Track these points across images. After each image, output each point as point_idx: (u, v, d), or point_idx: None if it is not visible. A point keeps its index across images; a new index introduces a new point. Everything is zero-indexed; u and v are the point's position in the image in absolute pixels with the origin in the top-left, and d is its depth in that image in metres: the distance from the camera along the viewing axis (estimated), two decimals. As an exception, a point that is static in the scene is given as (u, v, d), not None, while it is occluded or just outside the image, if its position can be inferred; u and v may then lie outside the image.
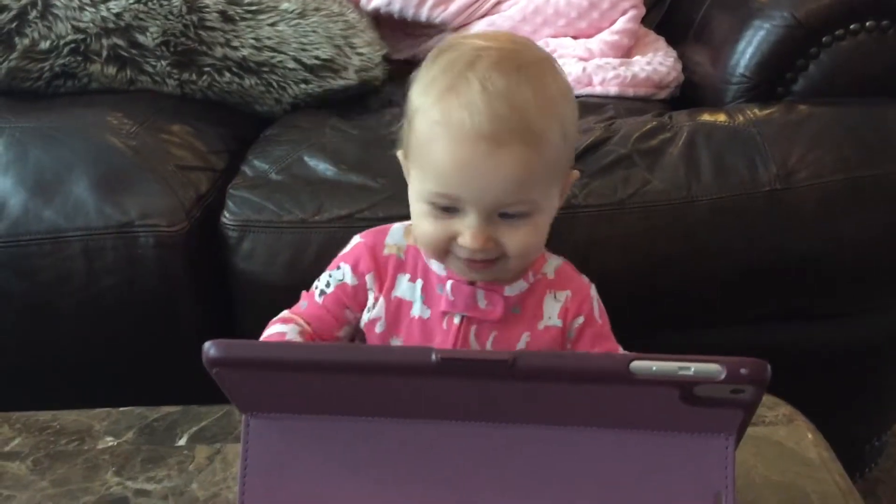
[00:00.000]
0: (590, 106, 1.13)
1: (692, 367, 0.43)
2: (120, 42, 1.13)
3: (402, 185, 0.98)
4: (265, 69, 1.17)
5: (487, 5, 1.31)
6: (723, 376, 0.43)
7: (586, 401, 0.48)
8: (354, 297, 0.71)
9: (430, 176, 0.63)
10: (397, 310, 0.70)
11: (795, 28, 1.05)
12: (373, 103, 1.22)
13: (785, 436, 0.63)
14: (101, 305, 0.96)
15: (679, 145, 1.01)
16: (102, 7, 1.12)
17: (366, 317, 0.71)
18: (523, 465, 0.50)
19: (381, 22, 1.36)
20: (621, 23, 1.28)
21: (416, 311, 0.70)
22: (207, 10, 1.14)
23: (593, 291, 0.73)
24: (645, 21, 1.36)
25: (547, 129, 0.62)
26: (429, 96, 0.63)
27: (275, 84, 1.17)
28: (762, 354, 0.75)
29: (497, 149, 0.60)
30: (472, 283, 0.69)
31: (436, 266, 0.69)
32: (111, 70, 1.15)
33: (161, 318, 0.98)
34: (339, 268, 0.71)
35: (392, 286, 0.70)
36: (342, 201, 0.98)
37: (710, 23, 1.24)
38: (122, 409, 0.70)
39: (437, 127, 0.62)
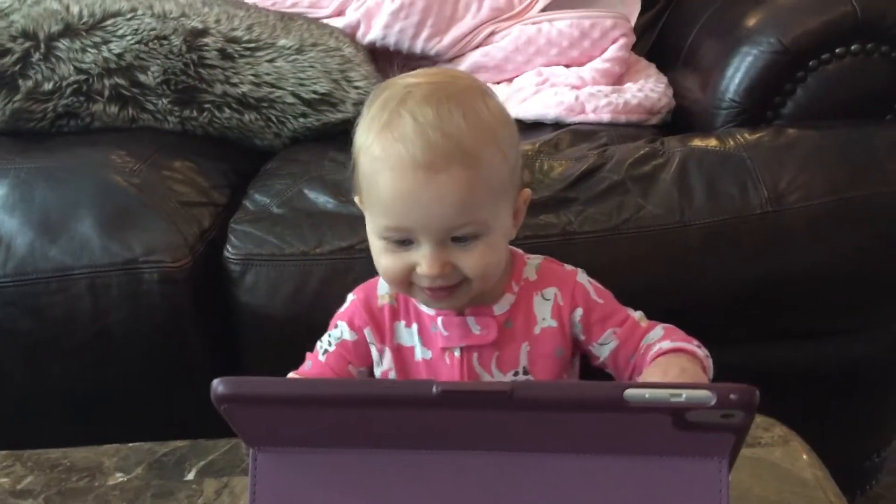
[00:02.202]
0: (583, 133, 1.16)
1: (683, 394, 0.45)
2: (122, 82, 1.16)
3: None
4: (264, 104, 1.19)
5: (480, 37, 1.34)
6: (713, 402, 0.44)
7: (583, 428, 0.49)
8: (356, 353, 0.73)
9: (379, 211, 0.66)
10: (402, 357, 0.72)
11: (782, 53, 1.08)
12: (370, 135, 1.24)
13: (780, 457, 0.65)
14: (108, 341, 0.98)
15: (671, 171, 1.03)
16: (104, 48, 1.15)
17: (378, 371, 0.73)
18: (524, 493, 0.51)
19: (377, 55, 1.38)
20: (612, 51, 1.30)
21: (419, 354, 0.72)
22: (207, 48, 1.17)
23: (581, 276, 0.74)
24: (635, 48, 1.38)
25: (482, 151, 0.64)
26: (368, 135, 0.65)
27: (274, 119, 1.20)
28: (758, 374, 0.77)
29: (435, 175, 0.62)
30: (461, 314, 0.70)
31: (424, 307, 0.71)
32: (113, 109, 1.17)
33: (167, 352, 0.99)
34: (336, 326, 0.74)
35: (392, 335, 0.72)
36: (343, 233, 1.00)
37: (698, 49, 1.26)
38: (131, 444, 0.72)
39: (377, 162, 0.64)
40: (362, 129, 0.67)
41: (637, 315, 0.74)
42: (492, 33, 1.34)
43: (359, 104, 1.21)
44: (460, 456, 0.51)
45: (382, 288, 0.73)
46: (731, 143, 1.05)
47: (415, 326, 0.72)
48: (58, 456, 0.71)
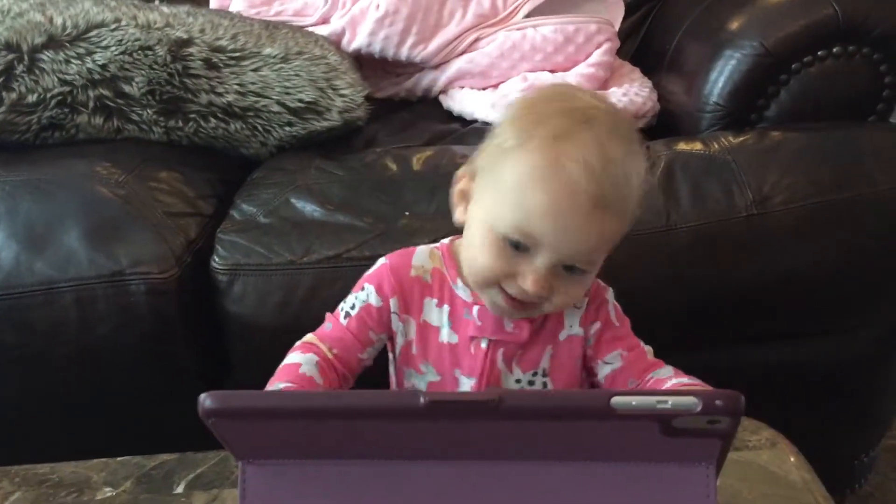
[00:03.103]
0: (569, 138, 1.16)
1: (669, 401, 0.45)
2: (106, 93, 1.15)
3: (388, 224, 1.01)
4: (250, 113, 1.19)
5: (465, 43, 1.34)
6: (699, 408, 0.45)
7: (571, 436, 0.49)
8: (379, 319, 0.72)
9: (516, 211, 0.64)
10: (425, 335, 0.72)
11: (765, 56, 1.09)
12: (356, 143, 1.24)
13: (768, 459, 0.65)
14: (95, 354, 0.97)
15: (657, 174, 1.03)
16: (88, 59, 1.14)
17: (399, 342, 0.72)
18: (513, 502, 0.51)
19: (363, 62, 1.39)
20: (597, 55, 1.31)
21: (444, 336, 0.71)
22: (191, 58, 1.17)
23: (610, 296, 0.75)
24: (620, 52, 1.39)
25: (633, 207, 0.66)
26: (536, 135, 0.63)
27: (260, 128, 1.19)
28: (745, 377, 0.78)
29: (594, 210, 0.62)
30: None
31: (462, 291, 0.71)
32: (98, 120, 1.17)
33: (156, 363, 0.99)
34: (363, 289, 0.73)
35: (420, 309, 0.72)
36: (330, 242, 1.00)
37: (682, 53, 1.27)
38: (119, 458, 0.71)
39: (544, 170, 0.63)
40: (525, 123, 0.65)
41: (647, 348, 0.74)
42: (476, 39, 1.35)
43: (344, 112, 1.21)
44: (449, 466, 0.51)
45: (418, 259, 0.73)
46: (716, 146, 1.06)
47: (446, 308, 0.71)
48: (45, 471, 0.71)
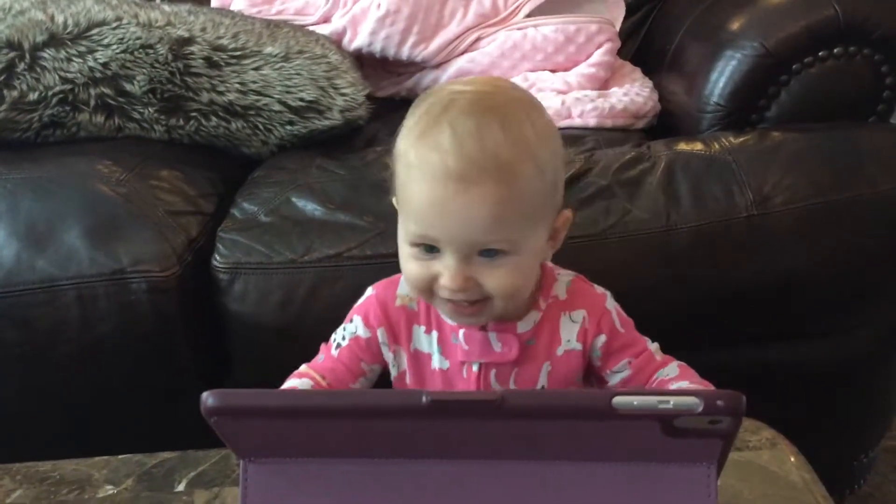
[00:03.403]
0: (570, 138, 1.16)
1: (671, 401, 0.45)
2: (107, 91, 1.15)
3: (389, 223, 1.01)
4: (251, 112, 1.19)
5: (466, 43, 1.35)
6: (700, 408, 0.45)
7: (573, 436, 0.49)
8: (368, 349, 0.71)
9: (410, 217, 0.64)
10: (418, 363, 0.71)
11: (766, 57, 1.09)
12: (357, 142, 1.24)
13: (768, 459, 0.65)
14: (96, 352, 0.97)
15: (658, 175, 1.03)
16: (89, 57, 1.15)
17: (394, 371, 0.72)
18: (515, 500, 0.51)
19: (364, 61, 1.39)
20: (598, 55, 1.31)
21: (436, 363, 0.70)
22: (193, 56, 1.17)
23: (609, 303, 0.72)
24: (620, 52, 1.39)
25: (519, 168, 0.62)
26: (407, 141, 0.64)
27: (261, 126, 1.20)
28: (744, 377, 0.78)
29: (468, 188, 0.61)
30: (483, 329, 0.69)
31: (446, 316, 0.70)
32: (99, 118, 1.17)
33: (156, 362, 0.99)
34: (351, 321, 0.72)
35: (409, 338, 0.71)
36: (331, 241, 1.00)
37: (683, 53, 1.27)
38: (120, 456, 0.71)
39: (412, 170, 0.63)
40: (403, 135, 0.65)
41: (653, 347, 0.72)
42: (477, 39, 1.35)
43: (345, 111, 1.21)
44: (451, 465, 0.51)
45: (403, 288, 0.72)
46: (717, 146, 1.06)
47: (434, 334, 0.71)
48: (47, 469, 0.71)
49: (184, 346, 0.99)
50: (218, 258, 1.00)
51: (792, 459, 0.65)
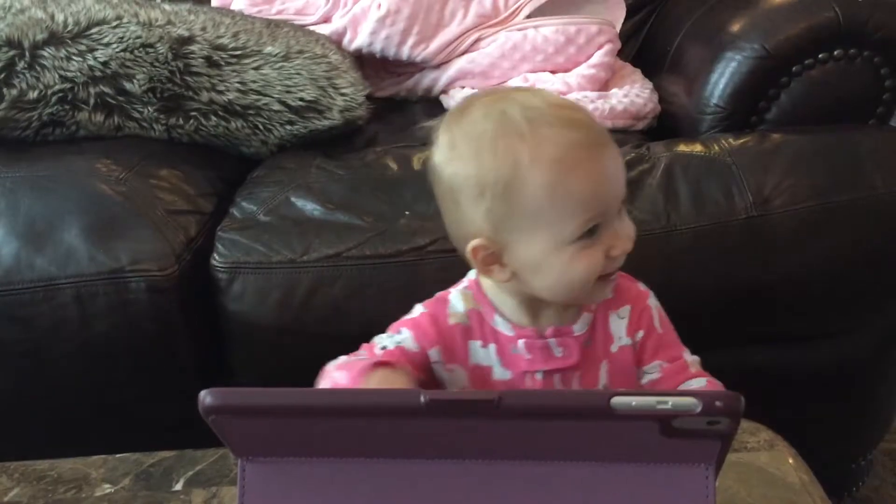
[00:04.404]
0: (570, 139, 1.16)
1: (670, 402, 0.45)
2: (107, 90, 1.15)
3: (388, 223, 1.01)
4: (251, 112, 1.19)
5: (467, 43, 1.35)
6: (699, 409, 0.45)
7: (571, 436, 0.49)
8: (412, 362, 0.70)
9: (573, 211, 0.63)
10: (480, 376, 0.70)
11: (766, 59, 1.09)
12: (357, 142, 1.24)
13: (767, 461, 0.65)
14: (95, 351, 0.97)
15: (657, 176, 1.03)
16: (89, 56, 1.14)
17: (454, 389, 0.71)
18: (513, 501, 0.51)
19: (364, 61, 1.39)
20: (598, 56, 1.31)
21: (497, 374, 0.70)
22: (193, 56, 1.17)
23: (652, 300, 0.73)
24: (621, 54, 1.39)
25: None
26: (522, 150, 0.62)
27: (261, 126, 1.20)
28: (743, 378, 0.78)
29: (601, 148, 0.64)
30: (542, 336, 0.69)
31: (503, 326, 0.70)
32: (99, 117, 1.17)
33: (155, 361, 0.99)
34: (399, 332, 0.71)
35: (467, 355, 0.70)
36: (330, 240, 1.00)
37: (683, 54, 1.27)
38: (118, 455, 0.71)
39: (559, 164, 0.62)
40: (502, 159, 0.63)
41: (690, 358, 0.72)
42: (478, 39, 1.35)
43: (345, 111, 1.21)
44: (449, 465, 0.51)
45: (455, 306, 0.71)
46: (717, 148, 1.06)
47: (492, 347, 0.70)
48: (45, 467, 0.71)
49: (182, 345, 0.99)
50: (217, 257, 1.00)
51: (790, 461, 0.65)
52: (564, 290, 0.67)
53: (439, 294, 0.72)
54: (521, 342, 0.69)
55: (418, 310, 0.72)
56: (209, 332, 1.01)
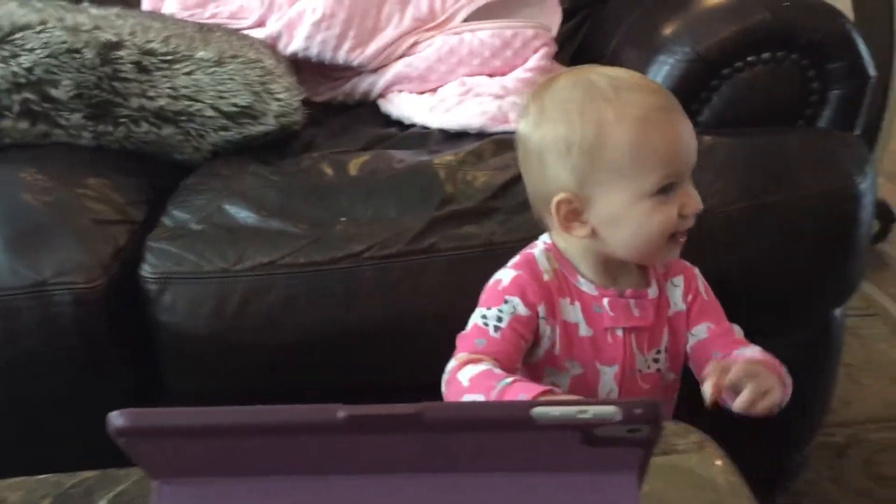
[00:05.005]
0: (507, 142, 1.15)
1: (590, 411, 0.45)
2: (32, 96, 1.12)
3: (323, 229, 0.99)
4: (183, 118, 1.16)
5: (403, 47, 1.34)
6: (619, 417, 0.45)
7: (495, 447, 0.49)
8: (528, 327, 0.74)
9: (652, 167, 0.71)
10: (567, 333, 0.75)
11: (697, 62, 1.10)
12: (294, 147, 1.23)
13: (696, 463, 0.65)
14: (19, 368, 0.94)
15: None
16: (13, 62, 1.11)
17: (546, 343, 0.74)
18: (437, 514, 0.50)
19: (300, 66, 1.37)
20: (534, 60, 1.31)
21: (583, 331, 0.75)
22: (121, 61, 1.14)
23: (697, 272, 0.82)
24: (557, 57, 1.39)
25: None
26: (608, 109, 0.71)
27: (193, 132, 1.17)
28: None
29: (677, 114, 0.73)
30: (622, 296, 0.76)
31: (586, 286, 0.75)
32: (24, 125, 1.13)
33: (83, 377, 0.96)
34: (506, 301, 0.73)
35: (558, 310, 0.75)
36: (264, 249, 0.98)
37: (619, 58, 1.28)
38: (37, 477, 0.69)
39: (639, 122, 0.70)
40: (590, 119, 0.71)
41: (737, 328, 0.80)
42: (414, 43, 1.34)
43: (280, 116, 1.20)
44: (371, 479, 0.50)
45: (543, 263, 0.76)
46: (650, 150, 1.07)
47: (578, 304, 0.75)
48: (-41, 491, 0.68)
49: (112, 359, 0.97)
50: (146, 268, 0.97)
51: (718, 462, 0.65)
52: (641, 244, 0.73)
53: (522, 255, 0.78)
54: (605, 300, 0.75)
55: (511, 274, 0.75)
56: (140, 345, 0.98)
